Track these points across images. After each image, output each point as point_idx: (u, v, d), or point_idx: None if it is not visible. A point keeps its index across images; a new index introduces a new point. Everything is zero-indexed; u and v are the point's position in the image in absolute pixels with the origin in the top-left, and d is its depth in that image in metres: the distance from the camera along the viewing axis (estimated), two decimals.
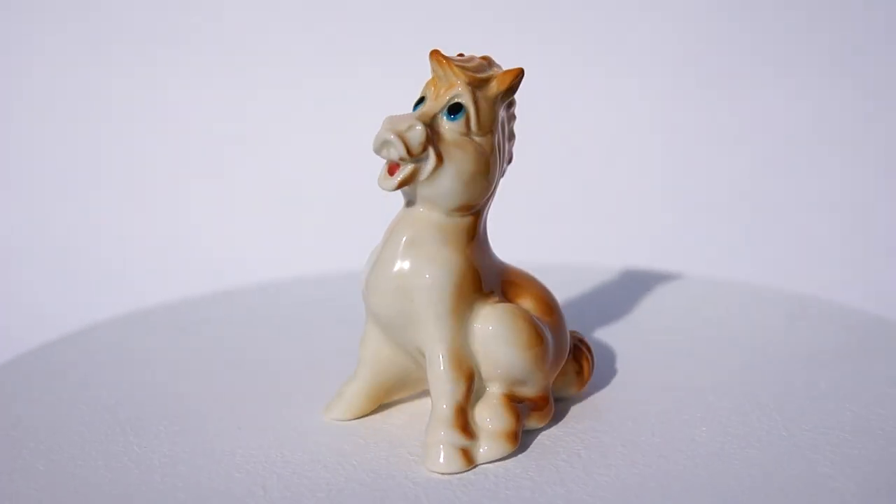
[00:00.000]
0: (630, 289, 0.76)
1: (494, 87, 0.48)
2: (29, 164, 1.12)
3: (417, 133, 0.46)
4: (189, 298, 0.78)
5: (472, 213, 0.49)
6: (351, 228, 1.07)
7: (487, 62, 0.49)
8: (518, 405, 0.50)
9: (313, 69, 1.14)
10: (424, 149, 0.47)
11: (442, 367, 0.48)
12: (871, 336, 0.64)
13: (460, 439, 0.48)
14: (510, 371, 0.49)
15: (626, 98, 1.14)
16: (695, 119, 1.14)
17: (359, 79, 1.12)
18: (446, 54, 0.48)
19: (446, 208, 0.48)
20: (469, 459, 0.48)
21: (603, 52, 1.14)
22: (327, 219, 1.10)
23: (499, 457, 0.49)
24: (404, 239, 0.49)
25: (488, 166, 0.48)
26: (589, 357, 0.55)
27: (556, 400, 0.53)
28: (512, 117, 0.51)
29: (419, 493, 0.46)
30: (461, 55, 0.49)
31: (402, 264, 0.49)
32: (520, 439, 0.49)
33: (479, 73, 0.48)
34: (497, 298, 0.50)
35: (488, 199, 0.50)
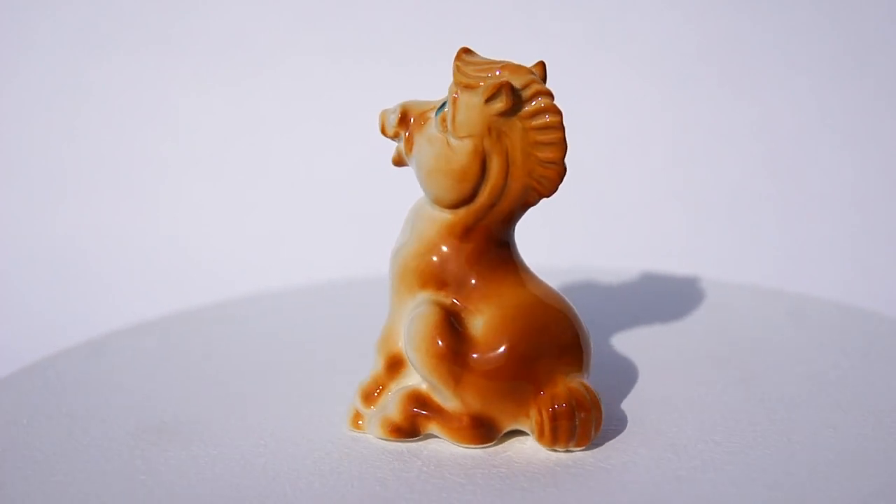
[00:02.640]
0: (634, 291, 0.76)
1: (479, 96, 0.48)
2: (34, 174, 1.12)
3: (391, 117, 0.50)
4: (197, 307, 0.78)
5: (460, 211, 0.50)
6: (363, 235, 1.08)
7: (505, 70, 0.48)
8: (420, 406, 0.51)
9: (324, 74, 1.14)
10: (396, 133, 0.51)
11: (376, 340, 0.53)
12: (877, 336, 0.65)
13: (359, 405, 0.53)
14: (415, 368, 0.51)
15: (634, 100, 1.14)
16: (696, 123, 1.14)
17: (370, 82, 1.12)
18: (470, 54, 0.49)
19: (426, 197, 0.51)
20: (355, 424, 0.53)
21: (613, 52, 1.14)
22: (340, 225, 1.10)
23: (372, 435, 0.52)
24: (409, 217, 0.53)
25: (453, 169, 0.48)
26: (557, 418, 0.49)
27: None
28: (540, 145, 0.48)
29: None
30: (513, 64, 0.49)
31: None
32: (403, 434, 0.51)
33: (475, 76, 0.48)
34: (449, 298, 0.50)
35: (493, 209, 0.49)
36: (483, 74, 0.48)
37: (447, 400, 0.50)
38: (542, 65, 0.49)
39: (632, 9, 1.14)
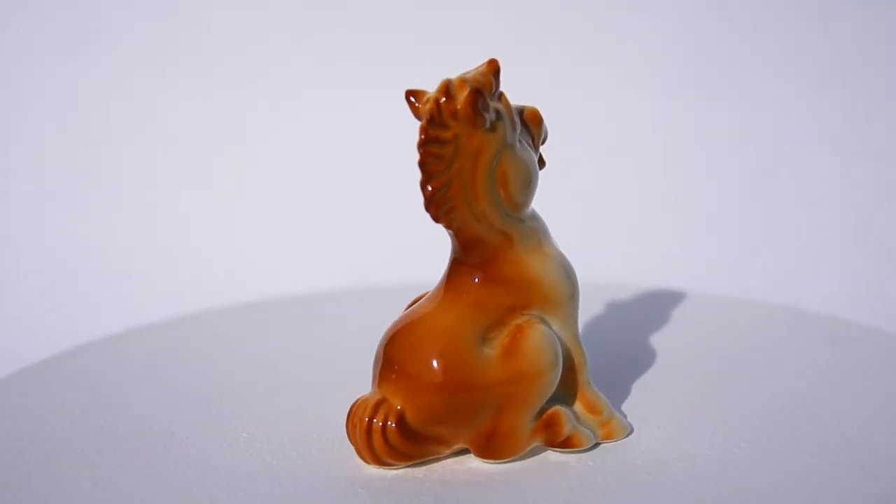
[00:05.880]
0: (620, 304, 0.76)
1: None
2: (35, 179, 1.13)
3: None
4: (199, 312, 0.79)
5: None
6: (355, 245, 1.08)
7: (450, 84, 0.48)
8: None
9: (323, 83, 1.15)
10: None
11: None
12: (876, 351, 0.65)
13: None
14: None
15: (621, 109, 1.14)
16: (684, 132, 1.14)
17: (369, 91, 1.13)
18: (488, 69, 0.49)
19: None
20: None
21: (601, 61, 1.14)
22: (333, 234, 1.10)
23: None
24: None
25: None
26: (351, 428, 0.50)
27: None
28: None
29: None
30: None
31: None
32: None
33: None
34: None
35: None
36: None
37: None
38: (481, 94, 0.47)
39: (620, 17, 1.14)
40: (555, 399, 0.51)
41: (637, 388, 0.59)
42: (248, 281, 1.03)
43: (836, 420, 0.54)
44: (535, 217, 0.51)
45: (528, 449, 0.50)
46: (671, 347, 0.66)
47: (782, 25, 1.13)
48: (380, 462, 0.49)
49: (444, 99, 0.46)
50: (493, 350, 0.49)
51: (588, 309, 0.74)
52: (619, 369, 0.62)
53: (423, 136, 0.47)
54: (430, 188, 0.47)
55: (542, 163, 0.52)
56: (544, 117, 0.51)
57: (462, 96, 0.46)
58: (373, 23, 1.15)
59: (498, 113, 0.48)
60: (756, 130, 1.13)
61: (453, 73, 0.49)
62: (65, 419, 0.56)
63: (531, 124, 0.50)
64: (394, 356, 0.49)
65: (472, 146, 0.47)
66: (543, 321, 0.50)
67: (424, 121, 0.47)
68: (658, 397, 0.57)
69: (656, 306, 0.75)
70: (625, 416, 0.54)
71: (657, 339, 0.68)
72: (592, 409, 0.52)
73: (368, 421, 0.48)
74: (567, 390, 0.52)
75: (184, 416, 0.57)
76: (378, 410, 0.48)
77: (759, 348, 0.66)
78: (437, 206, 0.47)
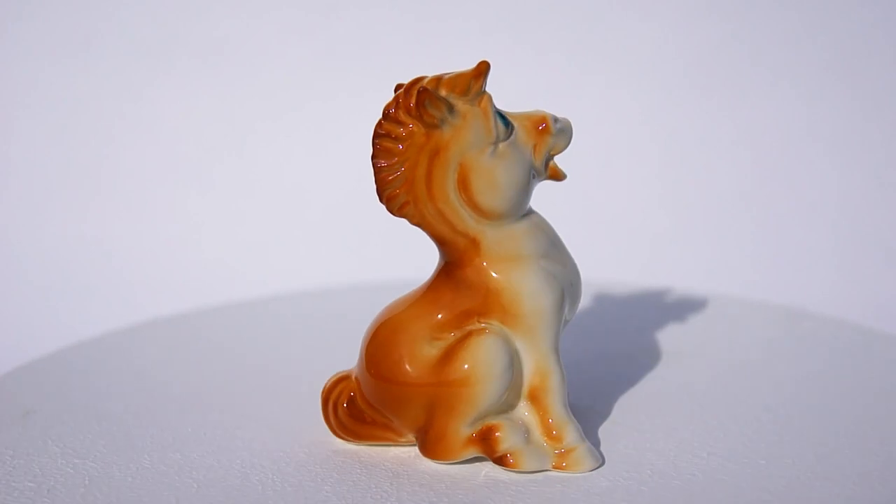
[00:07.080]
0: (617, 302, 0.76)
1: None
2: (32, 182, 1.13)
3: None
4: (193, 311, 0.79)
5: None
6: (355, 242, 1.08)
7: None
8: None
9: (319, 82, 1.15)
10: None
11: None
12: (871, 351, 0.65)
13: None
14: None
15: (620, 109, 1.14)
16: (682, 132, 1.14)
17: (363, 90, 1.13)
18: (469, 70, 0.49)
19: None
20: None
21: (599, 61, 1.14)
22: (332, 232, 1.10)
23: None
24: None
25: None
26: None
27: None
28: None
29: None
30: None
31: None
32: None
33: None
34: None
35: None
36: None
37: None
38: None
39: (618, 18, 1.14)
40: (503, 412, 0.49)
41: (629, 395, 0.58)
42: (248, 280, 1.03)
43: (836, 420, 0.53)
44: (530, 224, 0.49)
45: (463, 456, 0.49)
46: (670, 347, 0.66)
47: (782, 26, 1.13)
48: (336, 434, 0.52)
49: (404, 96, 0.46)
50: (436, 350, 0.48)
51: (587, 308, 0.74)
52: (617, 371, 0.62)
53: (375, 130, 0.47)
54: (381, 180, 0.47)
55: (556, 173, 0.49)
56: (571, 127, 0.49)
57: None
58: (375, 23, 1.15)
59: (459, 114, 0.46)
60: (756, 131, 1.13)
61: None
62: (64, 417, 0.56)
63: (533, 132, 0.48)
64: (362, 340, 0.51)
65: (430, 145, 0.46)
66: (504, 333, 0.48)
67: (381, 115, 0.47)
68: (649, 410, 0.56)
69: (655, 306, 0.75)
70: (598, 445, 0.51)
71: (655, 339, 0.68)
72: (553, 435, 0.49)
73: (327, 393, 0.51)
74: (514, 404, 0.49)
75: (183, 414, 0.56)
76: (336, 386, 0.51)
77: (759, 348, 0.66)
78: (388, 199, 0.47)
